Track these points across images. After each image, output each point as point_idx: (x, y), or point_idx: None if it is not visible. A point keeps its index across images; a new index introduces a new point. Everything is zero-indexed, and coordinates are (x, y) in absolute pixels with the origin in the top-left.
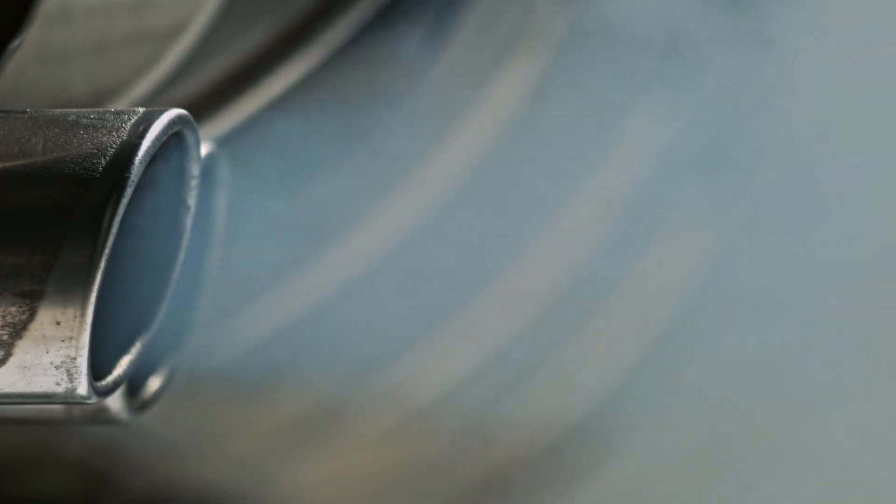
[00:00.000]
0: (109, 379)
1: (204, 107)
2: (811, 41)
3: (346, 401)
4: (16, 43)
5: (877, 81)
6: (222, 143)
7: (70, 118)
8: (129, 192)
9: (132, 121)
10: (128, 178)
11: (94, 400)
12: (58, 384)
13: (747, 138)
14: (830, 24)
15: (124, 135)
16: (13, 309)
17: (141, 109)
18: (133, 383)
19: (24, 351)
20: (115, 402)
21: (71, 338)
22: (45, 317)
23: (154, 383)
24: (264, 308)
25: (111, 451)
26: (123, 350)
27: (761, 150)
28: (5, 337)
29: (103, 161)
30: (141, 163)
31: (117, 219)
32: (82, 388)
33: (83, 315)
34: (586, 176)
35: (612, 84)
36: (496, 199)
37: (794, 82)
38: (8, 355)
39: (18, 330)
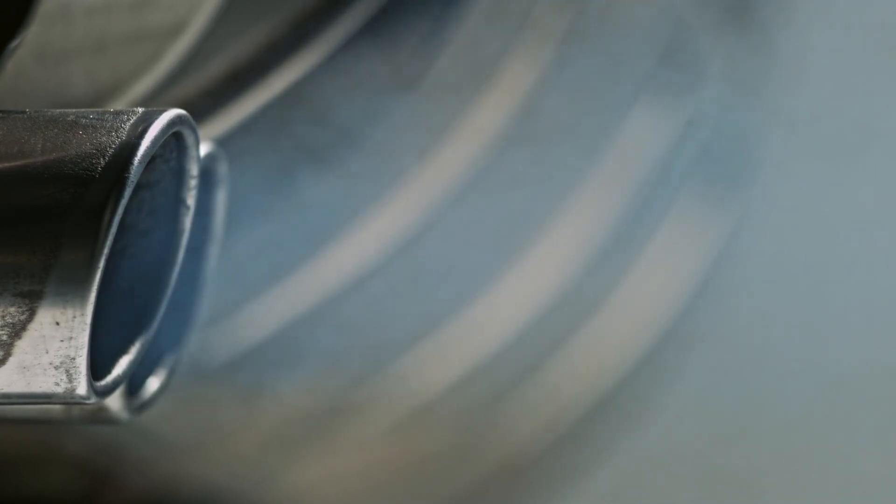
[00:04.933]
0: (109, 379)
1: (204, 107)
2: (811, 39)
3: (347, 399)
4: (15, 42)
5: (878, 80)
6: (222, 142)
7: (69, 118)
8: (128, 192)
9: (131, 121)
10: (127, 178)
11: (93, 400)
12: (57, 384)
13: (747, 137)
14: (831, 22)
15: (123, 135)
16: (12, 309)
17: (140, 109)
18: (132, 383)
19: (23, 351)
20: (114, 401)
21: (70, 338)
22: (45, 317)
23: (154, 383)
24: (264, 307)
25: (111, 451)
26: (123, 350)
27: (761, 149)
28: (5, 337)
29: (102, 161)
30: (140, 163)
31: (116, 219)
32: (82, 388)
33: (82, 315)
34: (587, 174)
35: (613, 83)
36: (497, 197)
37: (795, 81)
38: (7, 355)
39: (18, 330)
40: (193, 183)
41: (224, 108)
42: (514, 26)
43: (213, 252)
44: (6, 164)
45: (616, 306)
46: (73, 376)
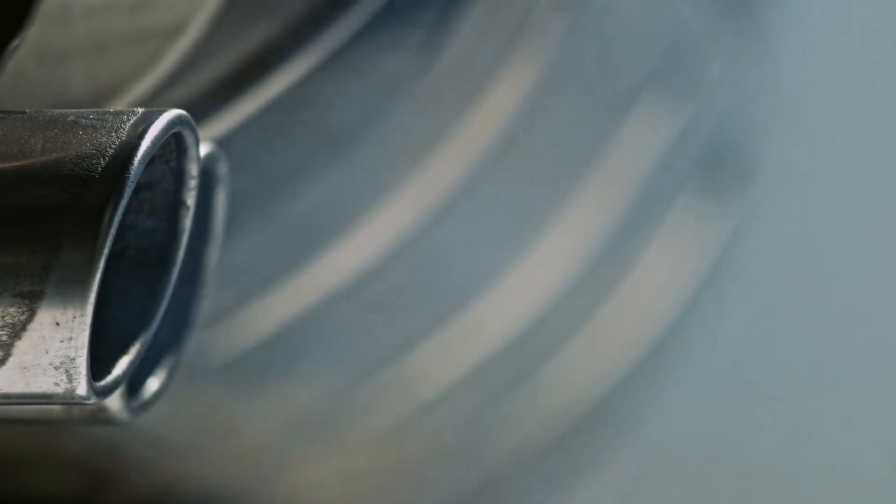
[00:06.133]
0: (109, 379)
1: (204, 107)
2: (811, 39)
3: (347, 399)
4: (16, 42)
5: (878, 78)
6: (222, 142)
7: (69, 118)
8: (128, 192)
9: (131, 121)
10: (127, 178)
11: (93, 400)
12: (57, 385)
13: (747, 137)
14: (831, 22)
15: (123, 135)
16: (12, 309)
17: (140, 110)
18: (132, 383)
19: (23, 351)
20: (114, 402)
21: (70, 338)
22: (45, 317)
23: (153, 384)
24: (264, 308)
25: (111, 451)
26: (123, 350)
27: (762, 149)
28: (4, 337)
29: (102, 161)
30: (140, 163)
31: (116, 219)
32: (81, 388)
33: (82, 315)
34: (587, 174)
35: (613, 83)
36: (497, 198)
37: (795, 81)
38: (7, 356)
39: (18, 330)
40: (193, 183)
41: (224, 108)
42: (514, 26)
43: (213, 252)
44: (6, 164)
45: (616, 307)
46: (73, 376)
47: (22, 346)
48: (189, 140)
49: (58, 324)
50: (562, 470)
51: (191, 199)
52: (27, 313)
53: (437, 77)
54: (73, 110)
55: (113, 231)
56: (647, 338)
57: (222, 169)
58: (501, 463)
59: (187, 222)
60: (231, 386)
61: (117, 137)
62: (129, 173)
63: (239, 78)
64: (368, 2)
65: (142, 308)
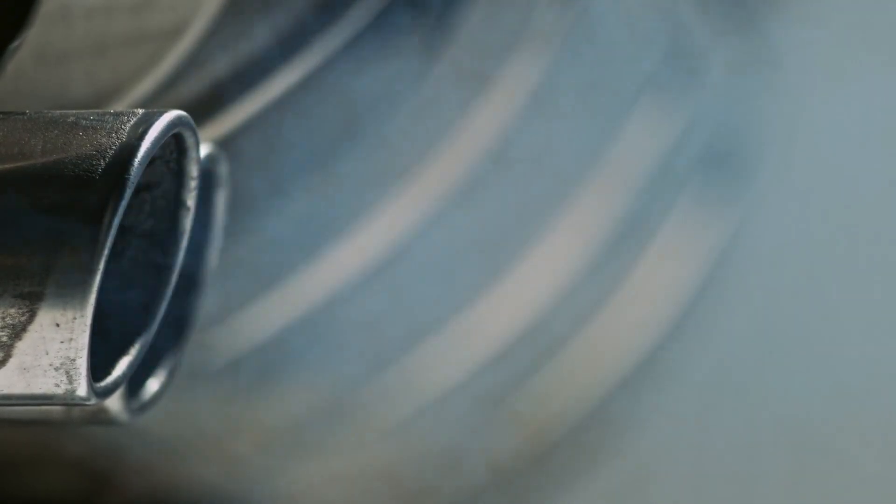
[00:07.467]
0: (109, 380)
1: (204, 107)
2: (811, 39)
3: (347, 401)
4: (16, 43)
5: (878, 79)
6: (222, 143)
7: (69, 119)
8: (128, 193)
9: (131, 122)
10: (127, 179)
11: (93, 401)
12: (57, 385)
13: (748, 138)
14: (831, 21)
15: (124, 136)
16: (13, 311)
17: (140, 111)
18: (132, 384)
19: (23, 352)
20: (114, 403)
21: (70, 339)
22: (45, 318)
23: (153, 384)
24: (265, 308)
25: (111, 452)
26: (123, 351)
27: (762, 149)
28: (5, 338)
29: (103, 162)
30: (140, 164)
31: (116, 220)
32: (82, 389)
33: (83, 316)
34: (588, 175)
35: (613, 83)
36: (498, 198)
37: (795, 81)
38: (7, 357)
39: (18, 331)
40: (193, 184)
41: (224, 108)
42: (514, 28)
43: (213, 253)
44: (6, 166)
45: (617, 308)
46: (74, 377)
47: (22, 347)
48: (189, 141)
49: (58, 325)
50: (562, 471)
51: (191, 200)
52: (27, 314)
53: (437, 78)
54: (74, 111)
55: (113, 232)
56: (647, 339)
57: (222, 170)
58: (502, 464)
59: (187, 223)
60: (231, 386)
61: (117, 138)
62: (129, 174)
63: (239, 79)
64: (369, 3)
65: (142, 309)
